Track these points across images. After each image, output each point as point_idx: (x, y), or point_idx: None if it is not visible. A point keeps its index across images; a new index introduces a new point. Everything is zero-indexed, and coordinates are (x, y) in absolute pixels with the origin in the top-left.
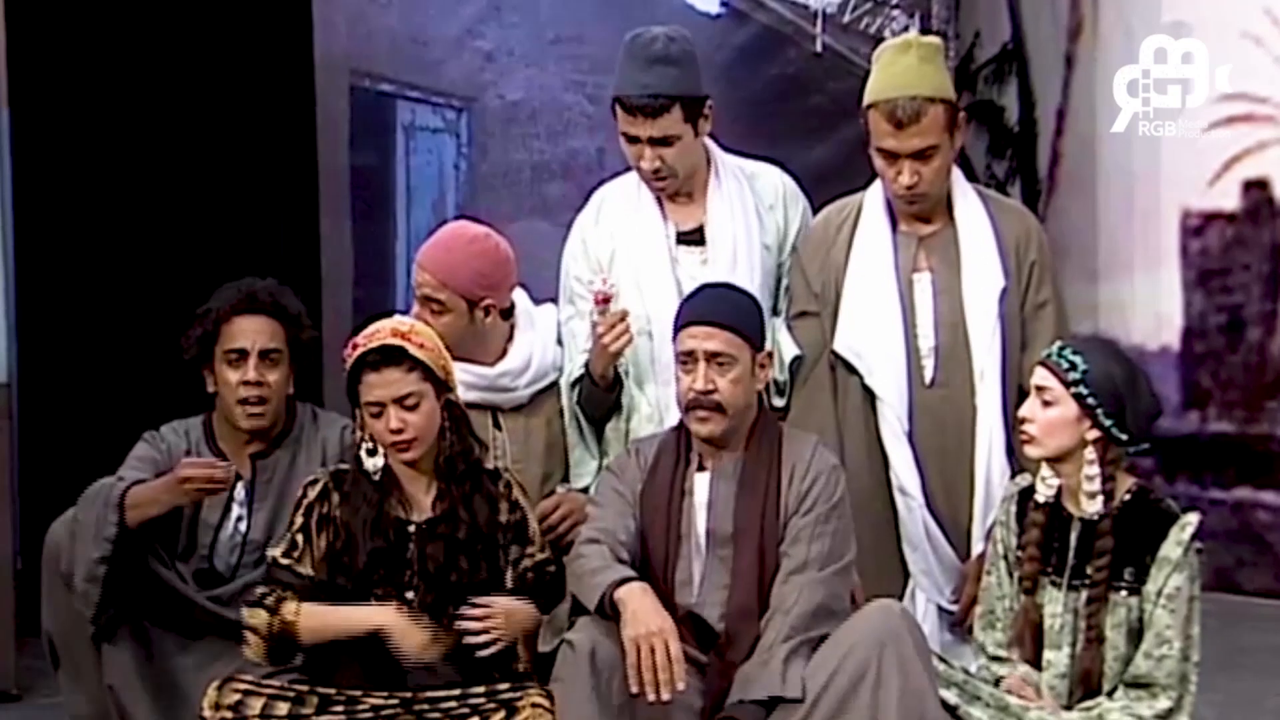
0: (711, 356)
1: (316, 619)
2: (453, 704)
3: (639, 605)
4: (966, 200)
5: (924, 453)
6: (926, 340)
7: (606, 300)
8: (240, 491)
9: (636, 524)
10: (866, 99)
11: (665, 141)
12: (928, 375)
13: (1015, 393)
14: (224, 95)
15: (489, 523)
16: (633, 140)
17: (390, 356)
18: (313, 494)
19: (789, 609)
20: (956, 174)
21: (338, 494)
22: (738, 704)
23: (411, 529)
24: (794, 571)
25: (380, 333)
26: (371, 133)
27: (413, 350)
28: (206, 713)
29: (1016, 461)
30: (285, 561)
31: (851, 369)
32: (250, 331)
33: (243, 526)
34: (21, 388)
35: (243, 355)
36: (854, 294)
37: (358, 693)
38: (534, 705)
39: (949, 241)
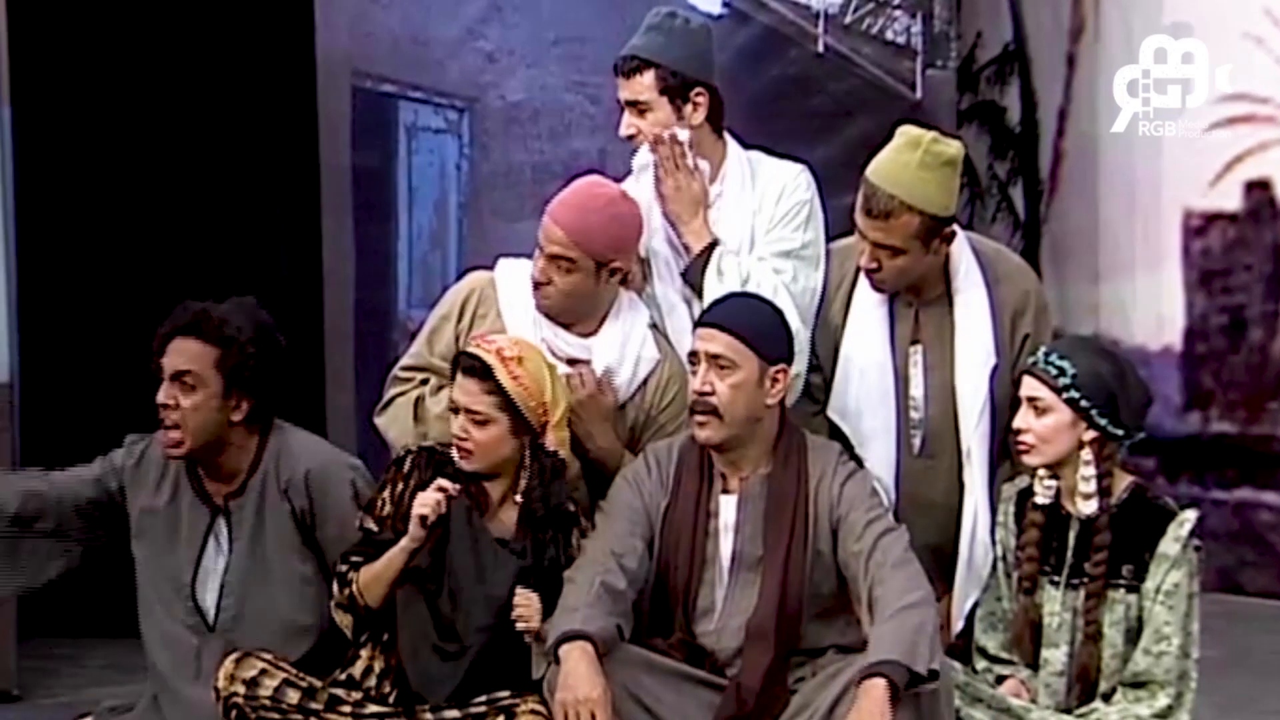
0: (713, 359)
1: (367, 573)
2: (455, 714)
3: (574, 669)
4: (967, 273)
5: (907, 522)
6: (917, 412)
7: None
8: (221, 526)
9: (650, 544)
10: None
11: (638, 108)
12: (915, 445)
13: (1004, 468)
14: (225, 95)
15: (559, 568)
16: (622, 108)
17: (478, 370)
18: (406, 464)
19: (915, 603)
20: (960, 240)
21: (428, 469)
22: (881, 663)
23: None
24: (893, 565)
25: (491, 344)
26: (373, 133)
27: (501, 378)
28: (220, 683)
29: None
30: (370, 526)
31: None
32: (172, 352)
33: (221, 564)
34: (23, 388)
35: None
36: (849, 362)
37: (361, 696)
38: (531, 712)
39: (944, 314)
